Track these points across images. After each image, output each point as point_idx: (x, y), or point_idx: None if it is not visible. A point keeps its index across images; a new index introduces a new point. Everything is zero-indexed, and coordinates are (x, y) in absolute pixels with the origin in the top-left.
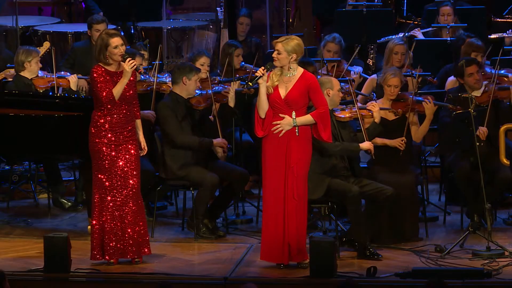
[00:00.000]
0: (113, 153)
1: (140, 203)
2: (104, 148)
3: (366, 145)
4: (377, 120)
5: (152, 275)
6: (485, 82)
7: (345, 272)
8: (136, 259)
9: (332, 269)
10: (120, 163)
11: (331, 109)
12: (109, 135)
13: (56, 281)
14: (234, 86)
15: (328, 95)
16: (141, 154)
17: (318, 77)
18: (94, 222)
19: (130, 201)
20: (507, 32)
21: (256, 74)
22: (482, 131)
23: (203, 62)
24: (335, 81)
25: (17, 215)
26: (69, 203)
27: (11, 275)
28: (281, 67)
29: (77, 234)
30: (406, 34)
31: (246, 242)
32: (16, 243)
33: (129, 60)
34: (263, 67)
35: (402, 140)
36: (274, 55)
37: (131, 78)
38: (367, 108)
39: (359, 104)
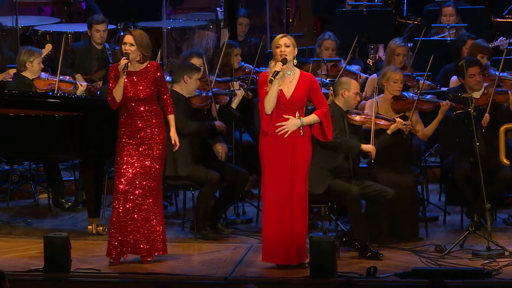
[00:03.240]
0: (131, 152)
1: (153, 203)
2: (124, 148)
3: (368, 147)
4: (389, 131)
5: (152, 275)
6: (485, 84)
7: (345, 272)
8: (149, 259)
9: (332, 269)
10: (138, 164)
11: (346, 111)
12: (127, 135)
13: (56, 281)
14: (241, 92)
15: (343, 96)
16: (174, 149)
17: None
18: (112, 222)
19: (146, 202)
20: (500, 39)
21: (276, 69)
22: (485, 117)
23: (194, 64)
24: (354, 84)
25: (17, 215)
26: (69, 203)
27: (11, 275)
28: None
29: (77, 234)
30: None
31: (246, 242)
32: (16, 243)
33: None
34: (281, 63)
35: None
36: (283, 49)
37: (146, 79)
38: (397, 119)
39: (383, 116)
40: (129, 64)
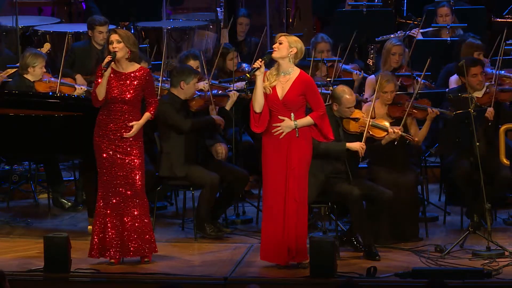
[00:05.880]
0: (110, 152)
1: (140, 202)
2: (102, 146)
3: (355, 145)
4: (384, 142)
5: (152, 275)
6: (486, 84)
7: (345, 272)
8: (146, 259)
9: (332, 269)
10: (120, 162)
11: (339, 117)
12: (102, 134)
13: (56, 281)
14: (235, 95)
15: (335, 108)
16: (126, 135)
17: (318, 78)
18: (95, 221)
19: (131, 201)
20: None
21: (254, 65)
22: (490, 111)
23: (191, 66)
24: (345, 100)
25: (17, 215)
26: (69, 203)
27: (11, 275)
28: (277, 66)
29: (77, 234)
30: (406, 32)
31: (246, 242)
32: (16, 243)
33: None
34: (260, 59)
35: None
36: (275, 45)
37: (134, 82)
38: (391, 130)
39: (378, 125)
40: (116, 63)
